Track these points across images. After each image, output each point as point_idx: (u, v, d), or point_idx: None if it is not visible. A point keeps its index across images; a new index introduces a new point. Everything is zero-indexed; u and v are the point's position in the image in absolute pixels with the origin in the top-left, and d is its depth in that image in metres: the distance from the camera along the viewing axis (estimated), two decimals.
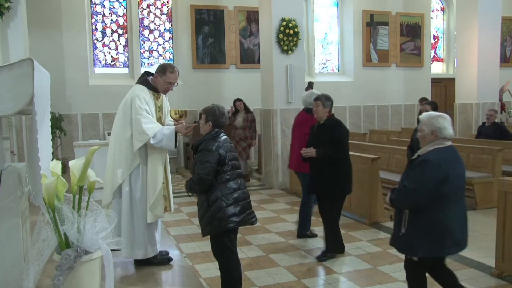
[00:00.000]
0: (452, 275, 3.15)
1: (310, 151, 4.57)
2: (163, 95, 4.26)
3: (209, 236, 3.60)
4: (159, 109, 4.18)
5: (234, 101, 9.63)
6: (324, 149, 4.50)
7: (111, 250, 4.04)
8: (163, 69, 4.10)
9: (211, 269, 4.37)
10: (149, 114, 4.01)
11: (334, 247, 4.72)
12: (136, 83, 4.20)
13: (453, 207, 2.94)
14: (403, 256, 4.60)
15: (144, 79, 4.17)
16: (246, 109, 9.57)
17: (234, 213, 3.43)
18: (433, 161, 2.87)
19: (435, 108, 5.27)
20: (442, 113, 3.10)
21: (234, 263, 3.59)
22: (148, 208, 4.05)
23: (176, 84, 4.19)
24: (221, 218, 3.40)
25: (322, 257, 4.65)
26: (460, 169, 3.01)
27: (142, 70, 9.85)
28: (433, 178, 2.85)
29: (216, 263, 4.43)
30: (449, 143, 3.01)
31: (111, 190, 4.03)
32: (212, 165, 3.41)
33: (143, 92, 4.06)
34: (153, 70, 4.34)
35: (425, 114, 3.13)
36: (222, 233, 3.47)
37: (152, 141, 3.94)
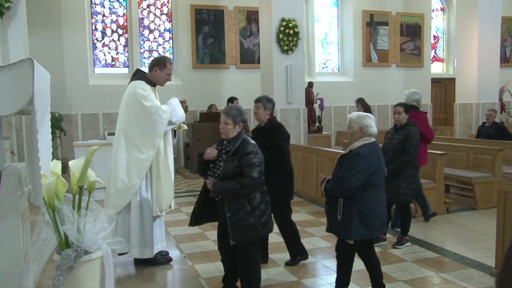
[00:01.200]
0: (377, 259, 3.64)
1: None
2: (156, 91, 4.34)
3: (228, 243, 3.41)
4: None
5: (232, 100, 9.30)
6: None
7: (121, 254, 4.06)
8: (163, 62, 4.20)
9: (211, 269, 4.37)
10: None
11: (296, 253, 4.50)
12: (132, 80, 4.21)
13: (380, 195, 3.42)
14: (403, 256, 4.62)
15: (141, 75, 4.22)
16: None
17: (271, 217, 3.52)
18: (365, 155, 3.32)
19: (407, 110, 5.11)
20: (369, 114, 3.58)
21: (259, 271, 3.57)
22: (166, 201, 4.14)
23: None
24: (266, 222, 3.42)
25: (291, 262, 4.48)
26: (383, 161, 3.51)
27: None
28: (366, 169, 3.29)
29: (216, 263, 4.43)
30: (374, 139, 3.48)
31: (129, 195, 4.01)
32: (263, 168, 3.42)
33: (144, 86, 4.14)
34: (147, 69, 4.39)
35: (354, 113, 3.58)
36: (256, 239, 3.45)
37: (173, 114, 4.12)
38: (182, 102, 4.30)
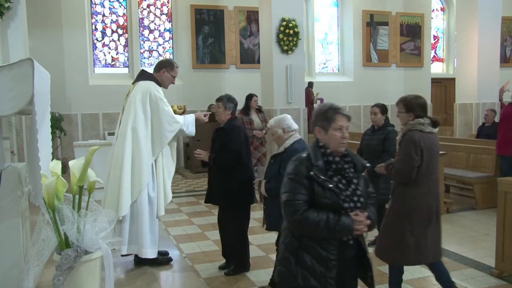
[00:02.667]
0: None
1: (203, 154, 4.20)
2: None
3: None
4: None
5: (252, 96, 7.71)
6: (215, 155, 4.14)
7: (124, 255, 4.06)
8: (170, 64, 4.26)
9: (211, 269, 4.37)
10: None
11: (241, 263, 4.30)
12: (140, 80, 4.18)
13: None
14: None
15: (150, 75, 4.23)
16: (257, 107, 7.84)
17: None
18: (300, 149, 3.38)
19: (383, 111, 5.14)
20: (285, 114, 3.80)
21: None
22: (163, 199, 4.14)
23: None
24: None
25: (230, 272, 4.25)
26: None
27: None
28: None
29: (216, 263, 4.45)
30: (299, 135, 3.70)
31: (132, 197, 3.99)
32: None
33: (158, 88, 4.18)
34: (148, 69, 4.38)
35: (273, 119, 3.76)
36: None
37: (184, 128, 4.15)
38: (198, 120, 4.31)
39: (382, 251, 3.48)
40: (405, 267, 4.35)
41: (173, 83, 4.35)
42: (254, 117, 7.57)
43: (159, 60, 4.54)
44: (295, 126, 3.70)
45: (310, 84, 10.65)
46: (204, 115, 4.32)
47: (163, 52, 11.39)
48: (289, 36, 8.45)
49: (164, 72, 4.19)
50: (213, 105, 10.80)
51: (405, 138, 3.33)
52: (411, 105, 3.38)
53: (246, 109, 7.57)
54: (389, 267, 3.62)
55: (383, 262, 4.48)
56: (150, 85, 4.11)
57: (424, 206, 3.29)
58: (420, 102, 3.40)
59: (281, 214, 3.37)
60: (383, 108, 5.04)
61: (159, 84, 4.21)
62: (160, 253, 4.29)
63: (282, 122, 3.67)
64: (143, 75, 4.24)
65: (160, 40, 11.38)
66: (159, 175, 4.13)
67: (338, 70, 13.02)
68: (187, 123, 4.20)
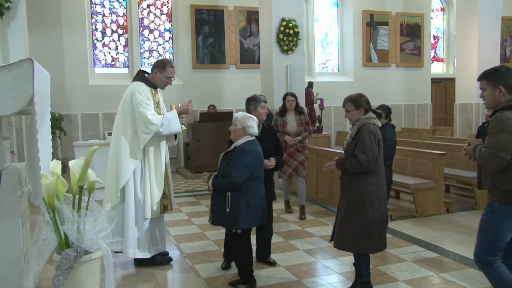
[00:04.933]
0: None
1: (272, 162, 4.27)
2: (159, 92, 4.30)
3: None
4: (157, 105, 4.22)
5: (286, 96, 6.75)
6: (278, 157, 4.42)
7: (116, 252, 4.07)
8: (163, 64, 4.17)
9: (211, 269, 4.37)
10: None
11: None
12: (133, 81, 4.22)
13: (261, 186, 3.82)
14: (402, 256, 4.62)
15: (141, 76, 4.21)
16: (298, 109, 6.71)
17: None
18: (249, 150, 3.71)
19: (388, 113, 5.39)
20: (252, 115, 3.91)
21: None
22: (153, 203, 4.12)
23: (173, 78, 4.28)
24: None
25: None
26: (262, 156, 3.87)
27: None
28: (251, 163, 3.68)
29: (216, 263, 4.46)
30: (254, 137, 3.83)
31: (117, 190, 4.04)
32: None
33: (143, 87, 4.11)
34: (149, 69, 4.38)
35: (240, 113, 3.87)
36: None
37: (161, 129, 4.02)
38: (183, 113, 4.23)
39: (347, 242, 3.60)
40: (405, 267, 4.37)
41: (170, 84, 4.24)
42: (290, 118, 6.61)
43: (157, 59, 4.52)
44: (254, 131, 3.81)
45: (310, 84, 10.64)
46: (187, 105, 4.24)
47: (163, 52, 11.39)
48: (289, 36, 8.45)
49: (156, 73, 4.15)
50: (212, 105, 10.93)
51: (363, 131, 3.50)
52: (359, 102, 3.61)
53: (283, 110, 6.65)
54: (357, 260, 3.70)
55: (383, 262, 4.50)
56: (135, 85, 4.10)
57: (381, 194, 3.55)
58: (366, 99, 3.66)
59: (225, 210, 3.64)
60: (388, 110, 5.14)
61: (152, 85, 4.18)
62: (160, 253, 4.29)
63: (245, 122, 3.78)
64: (137, 76, 4.26)
65: (160, 40, 11.38)
66: (146, 176, 4.10)
67: (338, 70, 13.02)
68: (167, 122, 4.04)
